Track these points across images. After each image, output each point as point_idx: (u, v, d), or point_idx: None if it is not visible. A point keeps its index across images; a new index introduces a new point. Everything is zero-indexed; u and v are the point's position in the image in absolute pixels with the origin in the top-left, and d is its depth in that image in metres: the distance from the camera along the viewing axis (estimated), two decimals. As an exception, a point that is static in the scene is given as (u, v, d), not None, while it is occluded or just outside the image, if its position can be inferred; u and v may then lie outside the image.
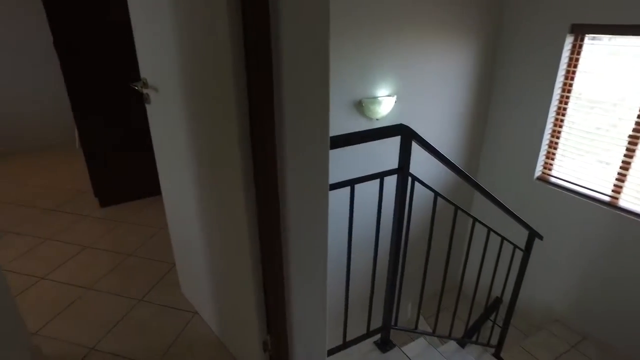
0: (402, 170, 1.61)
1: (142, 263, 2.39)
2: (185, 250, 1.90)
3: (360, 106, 2.95)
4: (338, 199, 1.60)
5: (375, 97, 3.00)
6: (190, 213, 1.64)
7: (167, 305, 2.08)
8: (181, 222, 1.81)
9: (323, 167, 1.22)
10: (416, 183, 1.71)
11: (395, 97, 3.06)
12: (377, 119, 3.04)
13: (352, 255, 1.77)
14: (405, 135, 1.54)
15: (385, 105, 2.99)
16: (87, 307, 2.07)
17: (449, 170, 1.87)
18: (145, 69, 1.59)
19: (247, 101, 1.09)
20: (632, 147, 3.04)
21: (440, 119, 3.49)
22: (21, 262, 2.39)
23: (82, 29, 2.56)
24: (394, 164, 1.67)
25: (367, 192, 1.79)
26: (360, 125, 2.95)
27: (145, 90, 1.62)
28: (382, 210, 1.71)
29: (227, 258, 1.47)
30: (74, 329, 1.92)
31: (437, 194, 1.81)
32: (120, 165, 2.97)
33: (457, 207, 1.98)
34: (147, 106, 1.68)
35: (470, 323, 3.04)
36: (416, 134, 1.55)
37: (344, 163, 2.76)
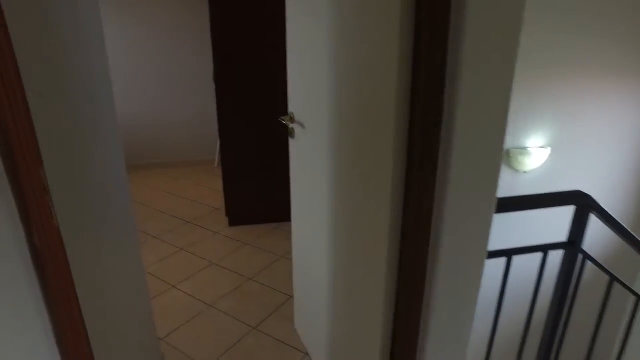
0: (573, 245, 1.32)
1: (260, 289, 2.41)
2: (305, 285, 1.84)
3: (507, 156, 2.64)
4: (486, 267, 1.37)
5: (525, 148, 2.65)
6: (319, 248, 1.57)
7: (278, 339, 2.03)
8: (307, 255, 1.75)
9: (484, 232, 1.03)
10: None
11: (549, 148, 2.67)
12: (524, 172, 2.68)
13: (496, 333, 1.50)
14: (582, 205, 1.26)
15: (535, 157, 2.63)
16: (206, 324, 2.13)
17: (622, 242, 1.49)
18: (294, 104, 1.60)
19: (405, 151, 0.97)
20: None
21: (607, 177, 2.95)
22: (158, 267, 2.61)
23: (240, 66, 2.78)
24: (555, 233, 1.38)
25: (520, 264, 1.51)
26: (504, 177, 2.62)
27: (291, 125, 1.63)
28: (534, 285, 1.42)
29: (354, 303, 1.35)
30: (192, 344, 1.98)
31: (613, 278, 1.45)
32: (253, 189, 3.12)
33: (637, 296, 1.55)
34: (290, 140, 1.68)
35: None
36: (597, 204, 1.26)
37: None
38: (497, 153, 0.97)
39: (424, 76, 0.89)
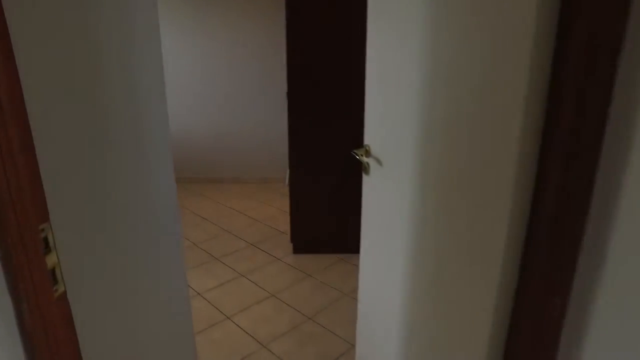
0: None
1: (320, 333, 2.17)
2: (371, 336, 1.56)
3: None
4: None
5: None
6: (392, 296, 1.30)
7: (335, 401, 1.76)
8: (376, 302, 1.48)
9: None
10: None
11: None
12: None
13: None
14: None
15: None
16: (257, 369, 1.93)
17: None
18: (372, 137, 1.35)
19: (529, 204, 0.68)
20: None
21: None
22: (217, 294, 2.48)
23: (316, 84, 2.61)
24: None
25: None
26: None
27: (365, 159, 1.38)
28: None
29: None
30: (240, 395, 1.79)
31: None
32: (321, 216, 2.91)
33: None
34: (365, 176, 1.44)
35: None
36: None
37: None
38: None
39: (577, 112, 0.60)
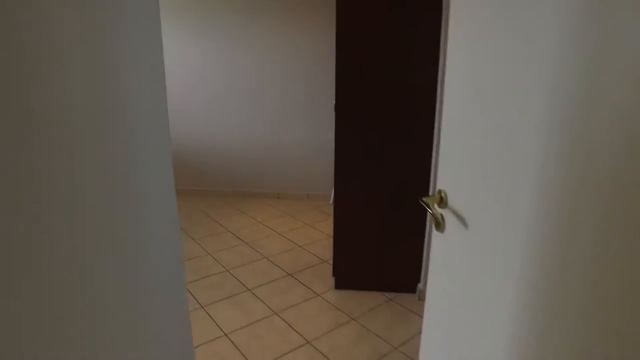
0: None
1: (362, 402, 1.79)
2: None
3: None
4: None
5: None
6: None
7: None
8: None
9: None
10: None
11: None
12: None
13: None
14: None
15: None
16: None
17: None
18: (451, 182, 0.97)
19: None
20: None
21: None
22: (245, 334, 2.17)
23: (367, 98, 2.25)
24: None
25: None
26: None
27: (439, 211, 1.00)
28: None
29: None
30: None
31: None
32: (368, 247, 2.53)
33: None
34: (436, 230, 1.05)
35: None
36: None
37: None
38: None
39: None
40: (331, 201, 4.23)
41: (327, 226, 3.58)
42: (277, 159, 4.26)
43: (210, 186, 4.44)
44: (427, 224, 2.39)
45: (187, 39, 4.00)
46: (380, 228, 2.48)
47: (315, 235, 3.41)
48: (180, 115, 4.24)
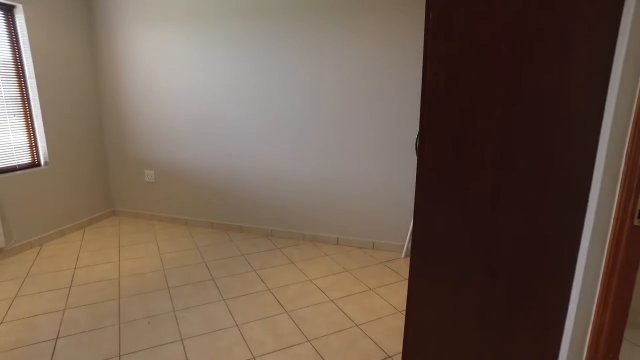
0: None
1: None
2: None
3: None
4: None
5: None
6: None
7: None
8: None
9: None
10: None
11: None
12: None
13: None
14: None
15: None
16: None
17: None
18: None
19: None
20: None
21: None
22: None
23: (462, 139, 1.40)
24: None
25: None
26: None
27: None
28: None
29: None
30: None
31: None
32: (455, 341, 1.61)
33: None
34: None
35: None
36: None
37: None
38: None
39: None
40: (404, 254, 3.33)
41: (396, 293, 2.70)
42: (339, 197, 3.48)
43: (257, 222, 3.78)
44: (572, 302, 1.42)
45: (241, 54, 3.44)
46: (475, 313, 1.55)
47: (379, 307, 2.54)
48: (229, 138, 3.67)
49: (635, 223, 1.07)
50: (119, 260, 3.20)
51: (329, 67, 3.24)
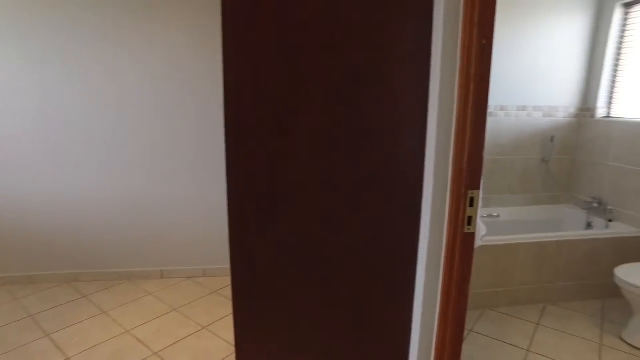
0: None
1: None
2: None
3: None
4: None
5: None
6: None
7: None
8: None
9: None
10: None
11: None
12: None
13: None
14: None
15: None
16: None
17: None
18: None
19: None
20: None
21: None
22: None
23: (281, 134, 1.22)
24: None
25: None
26: None
27: None
28: None
29: None
30: None
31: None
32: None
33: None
34: None
35: None
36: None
37: None
38: None
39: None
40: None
41: (227, 328, 2.41)
42: (159, 224, 3.00)
43: (55, 268, 2.99)
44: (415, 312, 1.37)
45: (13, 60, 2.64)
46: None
47: (215, 349, 2.22)
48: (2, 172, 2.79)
49: (466, 230, 1.05)
50: None
51: (127, 69, 2.74)
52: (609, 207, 3.01)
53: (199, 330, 2.38)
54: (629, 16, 2.99)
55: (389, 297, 1.30)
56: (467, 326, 2.44)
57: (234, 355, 2.16)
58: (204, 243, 3.07)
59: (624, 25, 3.03)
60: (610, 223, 2.95)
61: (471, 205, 1.00)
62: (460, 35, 1.00)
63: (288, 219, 1.21)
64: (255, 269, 1.24)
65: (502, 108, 3.13)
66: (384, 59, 1.11)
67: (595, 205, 3.09)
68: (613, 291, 2.74)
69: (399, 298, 1.29)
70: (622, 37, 3.04)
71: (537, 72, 3.12)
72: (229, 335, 2.33)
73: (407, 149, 1.16)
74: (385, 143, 1.16)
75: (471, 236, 1.04)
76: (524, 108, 3.16)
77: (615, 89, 3.12)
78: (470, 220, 1.01)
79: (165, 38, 2.72)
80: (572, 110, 3.25)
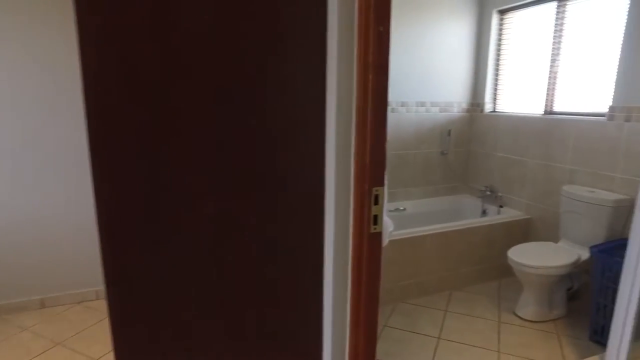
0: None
1: None
2: None
3: None
4: None
5: None
6: None
7: None
8: None
9: None
10: None
11: None
12: None
13: None
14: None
15: None
16: None
17: None
18: None
19: None
20: None
21: None
22: None
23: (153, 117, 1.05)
24: None
25: None
26: None
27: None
28: None
29: None
30: None
31: None
32: None
33: None
34: None
35: None
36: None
37: None
38: None
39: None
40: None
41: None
42: (33, 244, 2.57)
43: None
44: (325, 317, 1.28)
45: None
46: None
47: (108, 382, 1.93)
48: None
49: (372, 230, 0.98)
50: None
51: (-15, 69, 2.29)
52: (500, 194, 3.27)
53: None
54: (504, 22, 3.28)
55: (295, 306, 1.20)
56: (381, 321, 2.46)
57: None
58: (95, 260, 2.70)
59: (501, 29, 3.31)
60: (501, 209, 3.20)
61: (376, 203, 0.94)
62: (356, 20, 0.92)
63: (171, 230, 1.04)
64: (134, 290, 1.05)
65: (403, 104, 3.23)
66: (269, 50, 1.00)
67: (488, 193, 3.34)
68: (508, 271, 2.97)
69: (308, 306, 1.20)
70: (500, 40, 3.33)
71: (433, 70, 3.28)
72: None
73: (304, 145, 1.07)
74: (280, 141, 1.05)
75: (378, 235, 0.98)
76: (422, 104, 3.31)
77: (498, 85, 3.40)
78: (376, 219, 0.95)
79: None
80: (464, 105, 3.48)
